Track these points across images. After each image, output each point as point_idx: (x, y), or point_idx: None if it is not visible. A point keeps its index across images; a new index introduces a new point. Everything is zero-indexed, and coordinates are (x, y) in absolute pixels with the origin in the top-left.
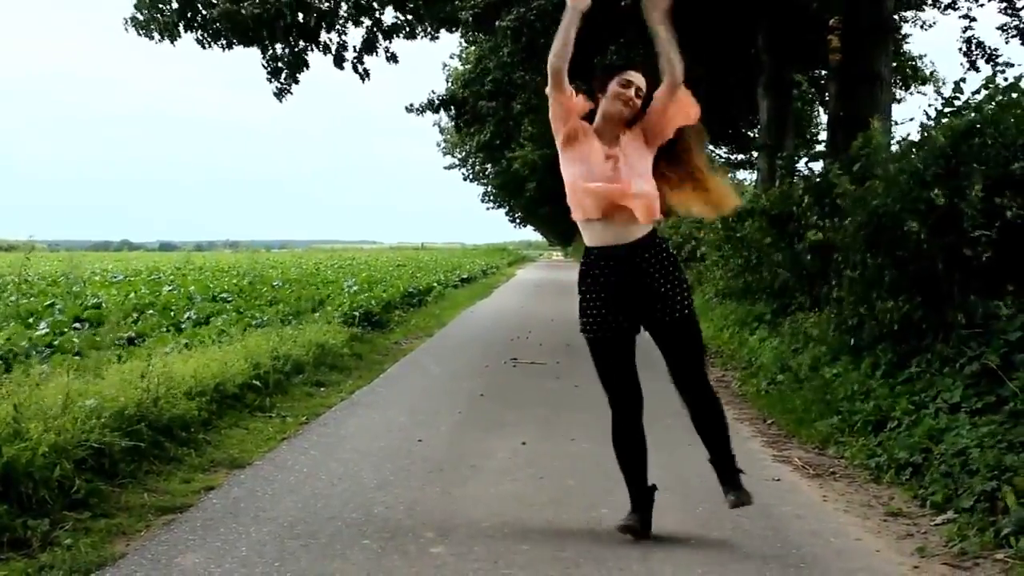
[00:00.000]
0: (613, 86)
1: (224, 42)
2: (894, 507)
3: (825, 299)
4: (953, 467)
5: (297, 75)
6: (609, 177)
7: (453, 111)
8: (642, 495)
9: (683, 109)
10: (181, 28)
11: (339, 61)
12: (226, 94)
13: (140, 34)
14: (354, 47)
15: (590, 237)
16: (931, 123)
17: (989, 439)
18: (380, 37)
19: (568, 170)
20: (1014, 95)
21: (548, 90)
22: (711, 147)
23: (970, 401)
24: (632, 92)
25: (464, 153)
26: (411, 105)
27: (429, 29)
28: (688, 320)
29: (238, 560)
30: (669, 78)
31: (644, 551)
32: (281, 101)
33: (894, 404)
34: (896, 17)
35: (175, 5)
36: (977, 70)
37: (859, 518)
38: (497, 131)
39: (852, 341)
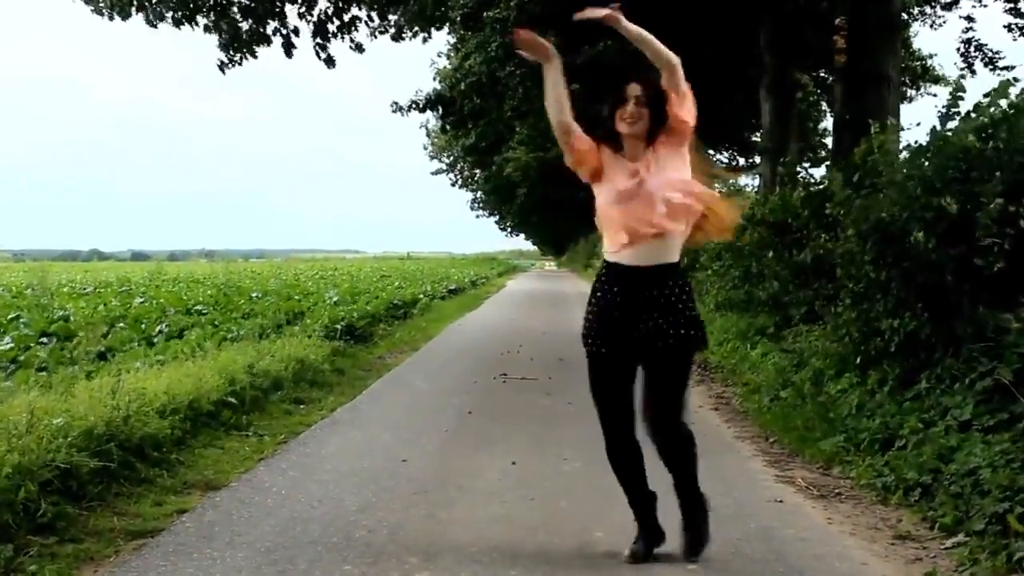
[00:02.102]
0: (618, 108)
1: (177, 16)
2: (902, 530)
3: (828, 312)
4: (964, 488)
5: (254, 48)
6: (633, 195)
7: (440, 111)
8: (645, 509)
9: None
10: (133, 9)
11: (288, 48)
12: (202, 97)
13: (91, 9)
14: (318, 25)
15: (615, 255)
16: (940, 128)
17: (1001, 458)
18: (331, 31)
19: (597, 199)
20: None
21: (560, 142)
22: (711, 151)
23: (981, 419)
24: (631, 106)
25: (452, 157)
26: (396, 104)
27: (417, 30)
28: (672, 353)
29: None
30: (664, 69)
31: None
32: (224, 73)
33: (902, 422)
34: (904, 15)
35: None
36: (974, 73)
37: (866, 541)
38: (486, 132)
39: (857, 356)
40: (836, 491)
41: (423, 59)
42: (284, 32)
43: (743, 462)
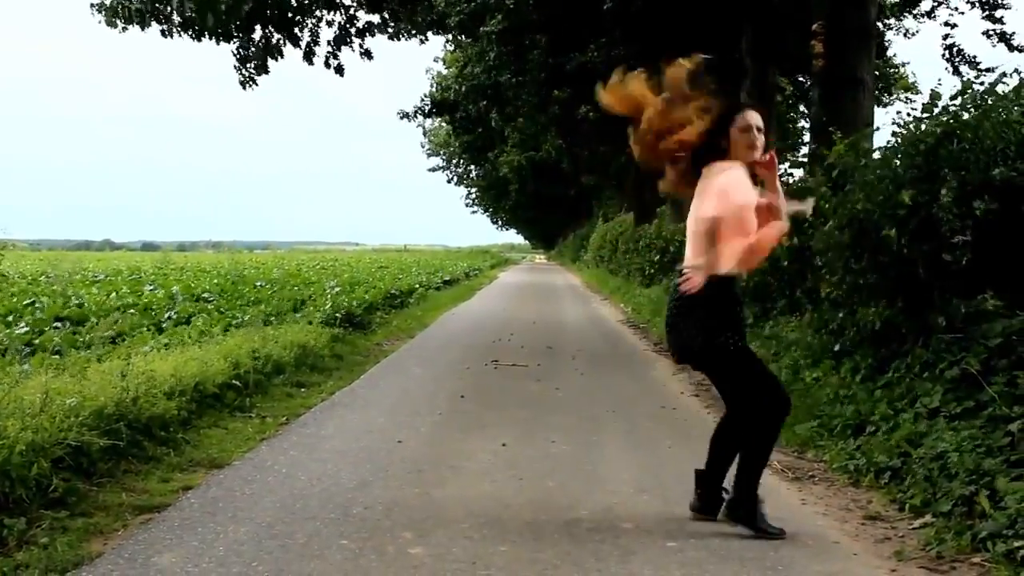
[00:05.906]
0: (735, 132)
1: (192, 32)
2: (872, 511)
3: (806, 304)
4: (932, 471)
5: (266, 64)
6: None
7: (447, 116)
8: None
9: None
10: (148, 18)
11: (308, 56)
12: (209, 95)
13: (106, 22)
14: (328, 41)
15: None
16: (903, 130)
17: (968, 443)
18: (353, 34)
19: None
20: (990, 100)
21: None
22: None
23: (949, 406)
24: (761, 137)
25: (448, 154)
26: (403, 111)
27: (414, 32)
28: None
29: (215, 560)
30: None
31: (623, 553)
32: (245, 89)
33: (873, 408)
34: (879, 24)
35: None
36: (960, 75)
37: (837, 521)
38: (482, 134)
39: (833, 345)
40: (810, 474)
41: (420, 58)
42: (302, 47)
43: None
